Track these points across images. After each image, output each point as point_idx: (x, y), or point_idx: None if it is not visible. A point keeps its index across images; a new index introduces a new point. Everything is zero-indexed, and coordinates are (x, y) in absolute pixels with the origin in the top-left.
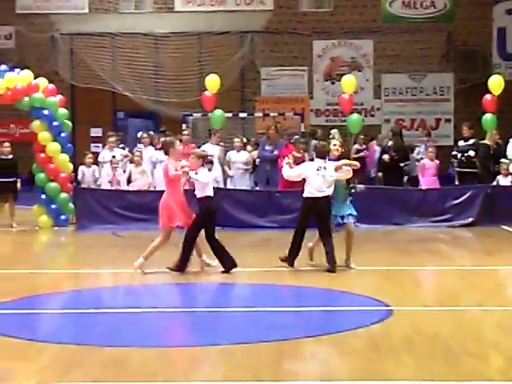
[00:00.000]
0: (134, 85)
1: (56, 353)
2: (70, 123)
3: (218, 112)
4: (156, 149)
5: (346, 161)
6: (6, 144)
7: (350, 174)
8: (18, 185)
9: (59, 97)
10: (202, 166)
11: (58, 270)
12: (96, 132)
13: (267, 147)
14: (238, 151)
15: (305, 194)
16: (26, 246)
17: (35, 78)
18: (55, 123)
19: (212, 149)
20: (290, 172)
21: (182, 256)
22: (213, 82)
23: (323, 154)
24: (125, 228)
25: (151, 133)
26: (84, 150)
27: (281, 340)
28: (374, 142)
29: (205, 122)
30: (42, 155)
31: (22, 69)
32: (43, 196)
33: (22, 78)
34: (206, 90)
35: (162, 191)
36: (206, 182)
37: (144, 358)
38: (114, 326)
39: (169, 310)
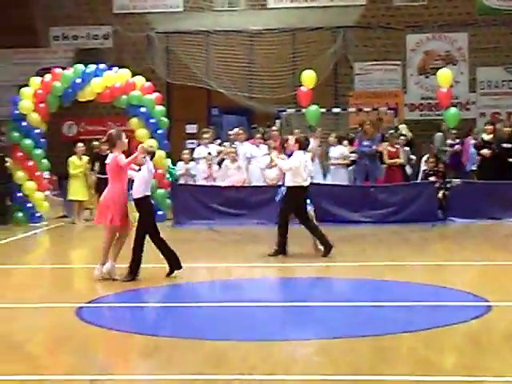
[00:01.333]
0: (228, 81)
1: (157, 345)
2: (166, 120)
3: (314, 107)
4: (252, 144)
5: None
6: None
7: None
8: None
9: (156, 94)
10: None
11: (157, 265)
12: (191, 129)
13: (365, 142)
14: (334, 146)
15: (295, 184)
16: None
17: (132, 77)
18: (152, 120)
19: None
20: (284, 164)
21: (132, 263)
22: (309, 78)
23: (306, 146)
24: (221, 223)
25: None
26: (180, 146)
27: (379, 335)
28: (470, 136)
29: (298, 117)
30: None
31: (119, 67)
32: None
33: (119, 76)
34: (299, 85)
35: (258, 186)
36: (148, 178)
37: (244, 351)
38: (214, 319)
39: (267, 304)
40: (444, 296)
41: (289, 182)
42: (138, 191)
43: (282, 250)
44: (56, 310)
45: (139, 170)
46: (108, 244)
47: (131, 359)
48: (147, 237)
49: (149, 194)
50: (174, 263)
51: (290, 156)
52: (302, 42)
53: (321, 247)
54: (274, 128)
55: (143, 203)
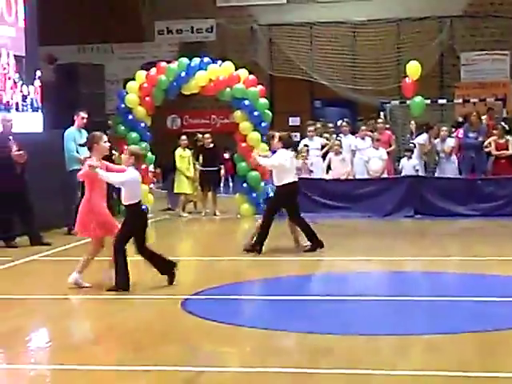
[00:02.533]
0: (331, 73)
1: (261, 338)
2: (270, 113)
3: (418, 99)
4: (356, 137)
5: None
6: (207, 135)
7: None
8: (222, 172)
9: (259, 87)
10: (133, 165)
11: (261, 258)
12: (294, 121)
13: (470, 134)
14: (443, 140)
15: (284, 182)
16: (229, 234)
17: (236, 70)
18: (256, 113)
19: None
20: (267, 161)
21: (117, 274)
22: (414, 69)
23: (291, 144)
24: (324, 216)
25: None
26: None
27: (488, 330)
28: None
29: (403, 109)
30: (244, 145)
31: (222, 60)
32: (244, 185)
33: (223, 69)
34: (403, 77)
35: (362, 179)
36: (121, 182)
37: (349, 345)
38: (316, 312)
39: (372, 298)
40: None
41: (277, 182)
42: (126, 197)
43: (259, 247)
44: (162, 301)
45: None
46: (91, 256)
47: (236, 351)
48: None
49: (135, 201)
50: (166, 271)
51: (274, 153)
52: (407, 33)
53: (304, 243)
54: (379, 120)
55: (131, 208)
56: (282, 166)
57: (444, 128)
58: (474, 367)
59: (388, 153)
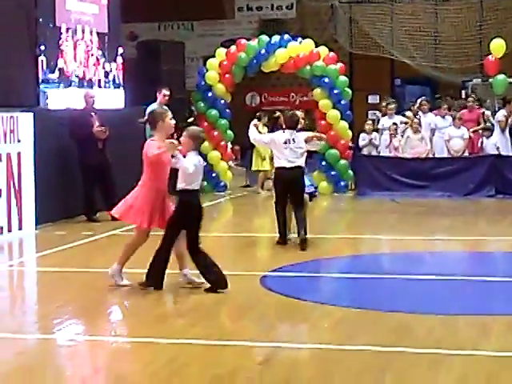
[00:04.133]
0: (412, 51)
1: (341, 316)
2: (349, 91)
3: (501, 77)
4: (436, 115)
5: (315, 133)
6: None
7: (319, 147)
8: None
9: (339, 65)
10: (194, 149)
11: (339, 235)
12: (373, 99)
13: None
14: None
15: (276, 165)
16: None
17: (316, 47)
18: (335, 91)
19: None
20: (257, 136)
21: (152, 269)
22: (498, 46)
23: (292, 124)
24: (403, 195)
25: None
26: (362, 117)
27: None
28: None
29: (485, 87)
30: (323, 122)
31: (302, 38)
32: (323, 162)
33: (303, 46)
34: (486, 54)
35: (442, 158)
36: (191, 171)
37: (429, 325)
38: (396, 291)
39: (450, 278)
40: None
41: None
42: (180, 182)
43: (283, 239)
44: (241, 277)
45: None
46: (131, 246)
47: (314, 328)
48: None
49: (194, 188)
50: (214, 279)
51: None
52: (490, 10)
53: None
54: (470, 99)
55: (183, 196)
56: (274, 148)
57: None
58: None
59: (474, 131)
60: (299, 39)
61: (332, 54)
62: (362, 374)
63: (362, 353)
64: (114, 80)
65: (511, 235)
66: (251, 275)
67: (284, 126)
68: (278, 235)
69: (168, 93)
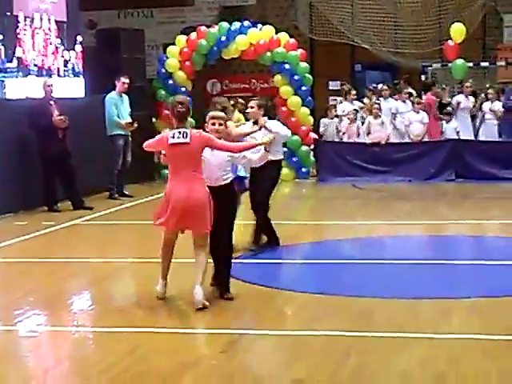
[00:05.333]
0: (372, 36)
1: (304, 302)
2: (310, 77)
3: (460, 61)
4: (397, 100)
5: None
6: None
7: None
8: None
9: (300, 51)
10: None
11: (301, 222)
12: (334, 85)
13: None
14: (492, 101)
15: (279, 157)
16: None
17: (276, 33)
18: (296, 77)
19: (464, 100)
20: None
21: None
22: (458, 31)
23: (269, 112)
24: (365, 180)
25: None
26: (323, 103)
27: None
28: None
29: (444, 72)
30: (284, 109)
31: (263, 24)
32: (285, 149)
33: (264, 33)
34: (446, 39)
35: (402, 143)
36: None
37: (391, 309)
38: (359, 276)
39: (413, 262)
40: None
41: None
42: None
43: (275, 241)
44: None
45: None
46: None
47: (278, 315)
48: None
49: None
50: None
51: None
52: None
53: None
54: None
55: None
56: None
57: (490, 90)
58: None
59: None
60: (259, 26)
61: (292, 40)
62: (326, 358)
63: (325, 338)
64: (73, 69)
65: (471, 218)
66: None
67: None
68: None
69: (127, 81)
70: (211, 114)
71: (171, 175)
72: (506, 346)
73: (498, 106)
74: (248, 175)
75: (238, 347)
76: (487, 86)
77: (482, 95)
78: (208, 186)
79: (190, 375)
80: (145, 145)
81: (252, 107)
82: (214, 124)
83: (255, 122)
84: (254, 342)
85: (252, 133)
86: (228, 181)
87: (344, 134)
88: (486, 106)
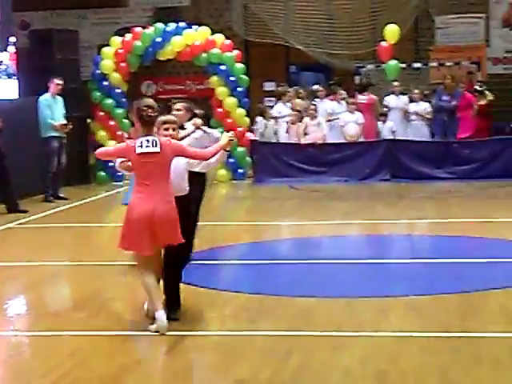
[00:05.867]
0: (306, 38)
1: (243, 302)
2: (246, 78)
3: (393, 62)
4: (332, 101)
5: None
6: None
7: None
8: None
9: (235, 52)
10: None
11: (238, 222)
12: (269, 86)
13: (444, 97)
14: (416, 102)
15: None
16: (207, 200)
17: (211, 35)
18: (232, 78)
19: (396, 100)
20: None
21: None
22: (392, 32)
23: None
24: (301, 181)
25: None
26: (257, 104)
27: (468, 292)
28: None
29: (378, 73)
30: (220, 110)
31: (198, 25)
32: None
33: (199, 34)
34: (379, 40)
35: (338, 143)
36: None
37: (330, 309)
38: (297, 276)
39: (352, 262)
40: None
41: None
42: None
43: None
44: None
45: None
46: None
47: (217, 316)
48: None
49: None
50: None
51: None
52: None
53: None
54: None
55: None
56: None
57: (416, 91)
58: (454, 327)
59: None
60: (195, 27)
61: (228, 41)
62: (267, 358)
63: (265, 338)
64: (6, 70)
65: (407, 218)
66: None
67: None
68: None
69: (61, 82)
70: (163, 118)
71: (138, 187)
72: (443, 343)
73: (424, 106)
74: None
75: (179, 349)
76: (411, 87)
77: (405, 97)
78: None
79: (131, 378)
80: (101, 152)
81: (179, 109)
82: (167, 129)
83: (181, 127)
84: (196, 344)
85: (188, 135)
86: (188, 190)
87: (286, 133)
88: (412, 107)
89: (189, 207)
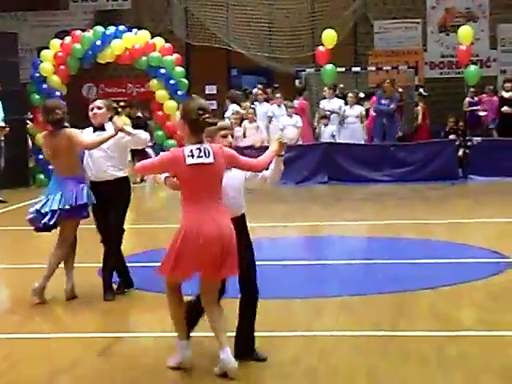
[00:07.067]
0: (247, 42)
1: None
2: (186, 81)
3: (329, 66)
4: (272, 104)
5: None
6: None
7: None
8: None
9: (175, 55)
10: None
11: (177, 225)
12: (211, 89)
13: (383, 101)
14: (351, 106)
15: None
16: (146, 202)
17: (151, 38)
18: (172, 81)
19: (330, 103)
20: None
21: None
22: (329, 37)
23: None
24: None
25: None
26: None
27: (400, 292)
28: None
29: (318, 77)
30: (160, 113)
31: (138, 29)
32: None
33: (139, 37)
34: (319, 45)
35: None
36: None
37: (265, 309)
38: (232, 278)
39: (287, 263)
40: (464, 253)
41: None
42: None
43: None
44: (79, 270)
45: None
46: None
47: (155, 317)
48: None
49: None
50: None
51: (102, 129)
52: (322, 1)
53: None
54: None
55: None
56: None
57: (350, 94)
58: (384, 327)
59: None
60: (135, 30)
61: (168, 45)
62: (200, 358)
63: (199, 339)
64: None
65: (344, 220)
66: (88, 267)
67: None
68: None
69: None
70: (219, 124)
71: (190, 205)
72: (374, 341)
73: (358, 109)
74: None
75: (114, 350)
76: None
77: (341, 100)
78: None
79: (65, 380)
80: (143, 167)
81: (99, 107)
82: (225, 136)
83: (98, 128)
84: (131, 345)
85: (110, 138)
86: (245, 209)
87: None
88: (347, 110)
89: (246, 230)
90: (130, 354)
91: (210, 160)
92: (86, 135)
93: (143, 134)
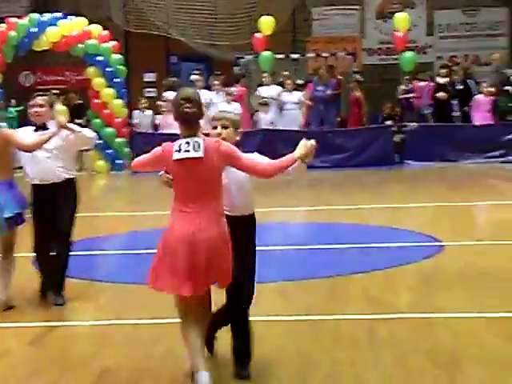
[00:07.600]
0: (187, 29)
1: (115, 292)
2: (124, 69)
3: (267, 53)
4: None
5: None
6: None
7: None
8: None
9: (113, 43)
10: None
11: (115, 213)
12: (150, 77)
13: (319, 87)
14: (290, 92)
15: (74, 173)
16: (84, 190)
17: (89, 25)
18: (109, 69)
19: (268, 90)
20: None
21: None
22: (267, 23)
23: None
24: None
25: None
26: (138, 95)
27: (333, 276)
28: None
29: (257, 64)
30: (97, 101)
31: (75, 16)
32: (99, 141)
33: (75, 24)
34: (257, 31)
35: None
36: None
37: None
38: None
39: None
40: (397, 237)
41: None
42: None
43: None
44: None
45: None
46: None
47: (88, 306)
48: None
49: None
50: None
51: (44, 128)
52: None
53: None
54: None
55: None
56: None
57: (288, 81)
58: (318, 311)
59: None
60: (71, 17)
61: (105, 32)
62: (134, 347)
63: (133, 327)
64: None
65: (283, 206)
66: (23, 257)
67: None
68: None
69: None
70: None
71: (176, 205)
72: (306, 325)
73: (297, 96)
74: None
75: (46, 340)
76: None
77: (278, 87)
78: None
79: None
80: (137, 164)
81: (42, 105)
82: (215, 127)
83: (40, 127)
84: (64, 334)
85: (53, 136)
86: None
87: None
88: (285, 96)
89: (251, 232)
90: (61, 344)
91: (199, 154)
92: (25, 135)
93: (88, 133)
